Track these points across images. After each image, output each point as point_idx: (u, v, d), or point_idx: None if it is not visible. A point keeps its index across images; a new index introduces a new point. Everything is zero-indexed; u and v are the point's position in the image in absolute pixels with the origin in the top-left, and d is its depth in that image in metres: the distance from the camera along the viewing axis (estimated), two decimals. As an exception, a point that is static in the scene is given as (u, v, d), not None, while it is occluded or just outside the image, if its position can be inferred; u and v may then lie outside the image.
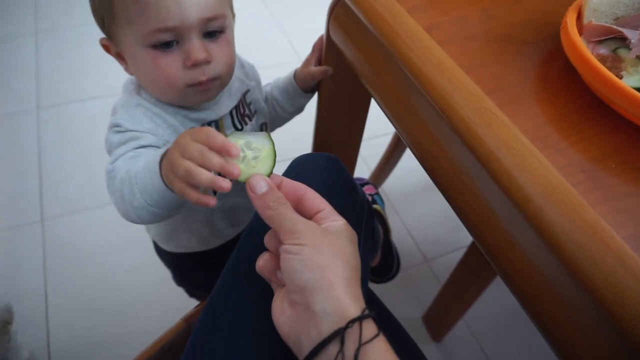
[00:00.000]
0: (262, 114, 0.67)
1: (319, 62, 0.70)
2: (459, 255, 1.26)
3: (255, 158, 0.38)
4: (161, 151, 0.43)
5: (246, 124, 0.63)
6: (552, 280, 0.38)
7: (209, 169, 0.36)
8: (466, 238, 1.27)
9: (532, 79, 0.42)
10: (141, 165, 0.44)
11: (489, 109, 0.38)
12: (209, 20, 0.48)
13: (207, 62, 0.49)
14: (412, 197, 1.33)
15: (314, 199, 0.37)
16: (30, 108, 1.43)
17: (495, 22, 0.47)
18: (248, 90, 0.64)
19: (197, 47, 0.48)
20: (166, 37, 0.47)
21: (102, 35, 0.54)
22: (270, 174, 0.38)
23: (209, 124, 0.57)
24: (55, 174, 1.28)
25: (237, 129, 0.60)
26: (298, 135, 1.38)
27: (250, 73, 0.66)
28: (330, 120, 0.77)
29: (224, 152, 0.36)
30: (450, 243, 1.26)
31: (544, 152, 0.36)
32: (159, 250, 0.77)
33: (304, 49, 1.74)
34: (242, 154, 0.38)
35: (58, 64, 1.58)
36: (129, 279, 1.09)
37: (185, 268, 0.79)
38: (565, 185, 0.34)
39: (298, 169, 0.51)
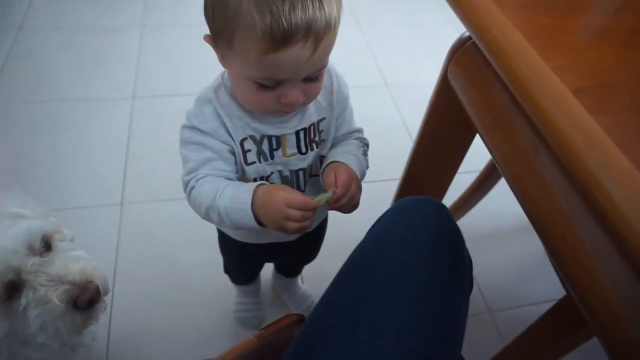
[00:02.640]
0: (327, 146, 0.65)
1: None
2: (526, 312, 1.19)
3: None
4: (246, 200, 0.53)
5: (312, 149, 0.62)
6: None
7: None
8: (537, 295, 1.20)
9: (695, 165, 0.38)
10: (227, 202, 0.54)
11: (644, 192, 0.35)
12: (314, 73, 0.51)
13: (298, 102, 0.53)
14: (483, 241, 1.28)
15: None
16: (126, 96, 1.52)
17: (651, 94, 0.44)
18: (324, 118, 0.63)
19: (295, 92, 0.51)
20: (272, 83, 0.50)
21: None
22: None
23: (269, 137, 0.59)
24: (140, 162, 1.34)
25: (300, 152, 0.61)
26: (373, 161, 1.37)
27: (338, 102, 0.63)
28: (427, 155, 0.76)
29: (314, 209, 0.52)
30: (518, 297, 1.19)
31: None
32: None
33: (391, 74, 1.74)
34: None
35: (158, 59, 1.67)
36: (195, 275, 1.12)
37: (226, 240, 0.81)
38: None
39: (406, 213, 0.50)
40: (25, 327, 0.54)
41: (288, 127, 0.59)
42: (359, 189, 0.58)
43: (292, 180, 0.63)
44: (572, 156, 0.38)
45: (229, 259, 0.91)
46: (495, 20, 0.49)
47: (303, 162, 0.62)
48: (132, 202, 1.25)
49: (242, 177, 0.61)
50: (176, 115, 1.55)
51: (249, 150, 0.58)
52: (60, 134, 1.40)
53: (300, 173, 0.63)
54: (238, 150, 0.58)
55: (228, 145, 0.58)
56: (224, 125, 0.57)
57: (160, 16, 1.86)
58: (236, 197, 0.53)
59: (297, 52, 0.46)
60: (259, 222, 0.54)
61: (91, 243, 1.14)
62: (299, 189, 0.64)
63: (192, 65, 1.63)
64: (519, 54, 0.45)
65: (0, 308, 0.52)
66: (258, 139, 0.58)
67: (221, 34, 0.49)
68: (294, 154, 0.60)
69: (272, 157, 0.60)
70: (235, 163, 0.59)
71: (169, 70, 1.63)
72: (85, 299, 0.55)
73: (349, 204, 0.57)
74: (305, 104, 0.56)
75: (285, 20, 0.43)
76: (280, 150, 0.60)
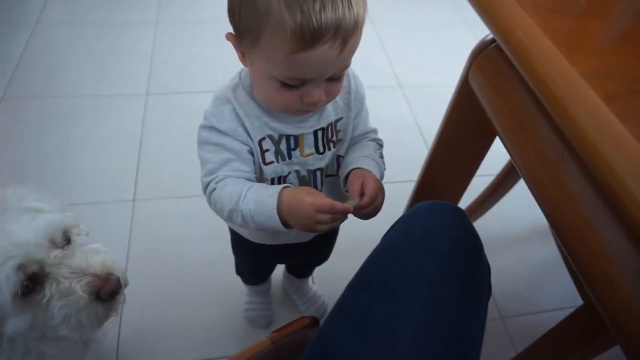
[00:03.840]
0: (344, 146, 0.65)
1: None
2: (538, 319, 1.18)
3: None
4: (272, 205, 0.53)
5: (330, 149, 0.62)
6: None
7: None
8: (550, 302, 1.19)
9: None
10: (252, 206, 0.54)
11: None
12: (337, 73, 0.51)
13: (321, 101, 0.52)
14: (496, 246, 1.26)
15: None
16: (140, 93, 1.53)
17: (685, 102, 0.42)
18: (341, 118, 0.63)
19: (318, 92, 0.51)
20: (297, 82, 0.50)
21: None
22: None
23: (287, 137, 0.58)
24: (152, 158, 1.35)
25: (318, 152, 0.61)
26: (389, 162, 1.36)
27: (354, 101, 0.63)
28: (444, 158, 0.75)
29: (346, 213, 0.53)
30: (530, 304, 1.18)
31: None
32: None
33: (405, 74, 1.73)
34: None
35: (171, 55, 1.67)
36: (204, 273, 1.12)
37: (239, 241, 0.80)
38: None
39: (424, 217, 0.50)
40: (47, 319, 0.55)
41: (306, 127, 0.59)
42: (383, 200, 0.57)
43: (309, 180, 0.62)
44: (602, 165, 0.37)
45: (241, 259, 0.91)
46: (521, 23, 0.48)
47: (321, 162, 0.61)
48: (144, 199, 1.25)
49: (260, 177, 0.60)
50: (189, 112, 1.58)
51: (267, 150, 0.58)
52: (74, 130, 1.41)
53: (318, 173, 0.62)
54: (256, 150, 0.58)
55: (247, 145, 0.57)
56: (243, 125, 0.57)
57: (174, 13, 1.87)
58: (261, 201, 0.53)
59: (326, 51, 0.45)
60: (285, 224, 0.54)
61: (103, 239, 1.14)
62: (315, 189, 0.63)
63: (205, 63, 1.64)
64: (547, 58, 0.44)
65: (23, 301, 0.53)
66: (276, 138, 0.58)
67: (247, 31, 0.48)
68: (311, 154, 0.60)
69: (290, 157, 0.59)
70: (254, 163, 0.59)
71: (183, 67, 1.64)
72: (108, 290, 0.57)
73: (371, 213, 0.56)
74: (325, 103, 0.56)
75: (316, 20, 0.43)
76: (298, 150, 0.59)
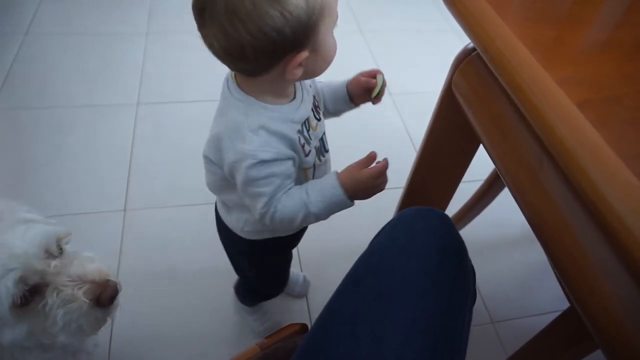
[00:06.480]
0: (322, 100, 0.70)
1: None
2: (529, 322, 1.19)
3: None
4: (340, 194, 0.59)
5: (319, 114, 0.66)
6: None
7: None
8: (541, 306, 1.20)
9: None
10: (323, 205, 0.59)
11: (649, 208, 0.35)
12: None
13: None
14: (486, 251, 1.27)
15: None
16: (131, 103, 1.53)
17: (655, 109, 0.44)
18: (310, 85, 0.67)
19: None
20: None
21: None
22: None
23: (304, 122, 0.61)
24: (143, 168, 1.35)
25: (317, 119, 0.65)
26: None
27: None
28: (431, 165, 0.76)
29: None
30: (521, 308, 1.18)
31: None
32: (240, 240, 0.75)
33: (394, 82, 1.74)
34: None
35: (162, 66, 1.68)
36: (196, 281, 1.12)
37: (264, 255, 0.80)
38: None
39: (409, 223, 0.50)
40: (47, 327, 0.56)
41: (307, 104, 0.62)
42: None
43: (320, 147, 0.66)
44: (576, 170, 0.38)
45: (269, 271, 0.89)
46: (499, 32, 0.49)
47: (323, 125, 0.66)
48: (135, 209, 1.25)
49: (300, 168, 0.63)
50: (180, 122, 1.58)
51: (304, 144, 0.60)
52: (65, 140, 1.41)
53: (324, 137, 0.67)
54: (299, 150, 0.59)
55: (291, 159, 0.58)
56: (282, 137, 0.57)
57: (164, 23, 1.88)
58: (328, 196, 0.59)
59: None
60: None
61: (94, 249, 1.15)
62: (325, 151, 0.68)
63: (195, 72, 1.64)
64: (524, 66, 0.45)
65: (21, 310, 0.53)
66: (300, 129, 0.60)
67: (306, 32, 0.50)
68: (317, 124, 0.64)
69: (311, 138, 0.62)
70: (294, 166, 0.60)
71: (173, 77, 1.64)
72: (108, 296, 0.58)
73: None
74: None
75: None
76: (310, 128, 0.62)
